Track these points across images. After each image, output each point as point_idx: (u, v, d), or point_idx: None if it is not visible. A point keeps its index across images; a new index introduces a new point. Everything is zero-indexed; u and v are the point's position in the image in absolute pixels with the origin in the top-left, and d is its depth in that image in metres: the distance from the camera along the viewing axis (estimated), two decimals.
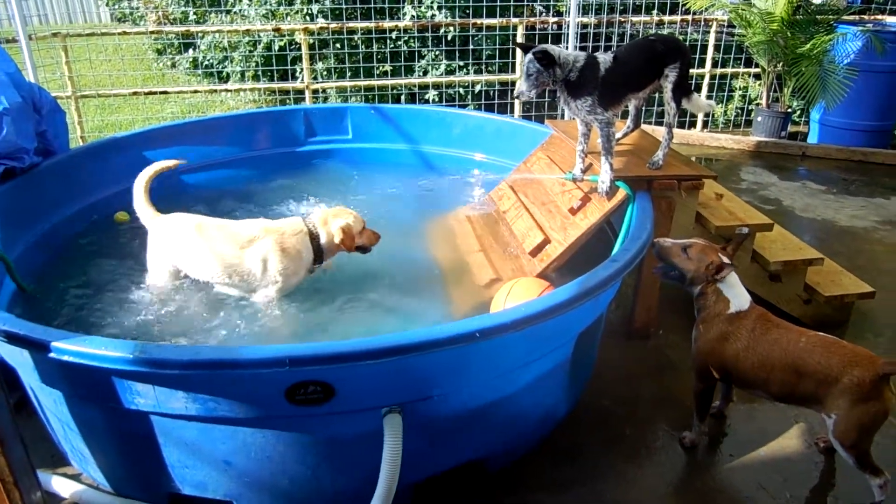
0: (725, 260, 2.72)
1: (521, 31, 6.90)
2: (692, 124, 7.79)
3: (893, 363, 2.36)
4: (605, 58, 3.19)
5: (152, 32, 8.13)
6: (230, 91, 8.25)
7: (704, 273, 2.72)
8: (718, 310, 2.71)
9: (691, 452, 2.89)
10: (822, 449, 2.89)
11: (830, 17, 6.98)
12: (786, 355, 2.53)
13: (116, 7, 12.21)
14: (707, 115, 7.68)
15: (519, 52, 2.94)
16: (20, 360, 2.29)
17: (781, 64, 6.78)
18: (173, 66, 10.05)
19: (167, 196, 4.37)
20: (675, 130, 3.47)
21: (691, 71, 6.65)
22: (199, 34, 8.65)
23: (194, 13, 9.27)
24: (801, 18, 6.70)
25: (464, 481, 2.62)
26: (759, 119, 7.28)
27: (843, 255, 4.61)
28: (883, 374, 2.36)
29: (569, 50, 3.19)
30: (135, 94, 7.00)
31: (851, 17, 7.48)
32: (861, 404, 2.38)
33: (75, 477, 2.66)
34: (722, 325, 2.68)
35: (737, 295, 2.72)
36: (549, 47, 3.10)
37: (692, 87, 3.61)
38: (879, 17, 7.84)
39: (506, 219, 3.80)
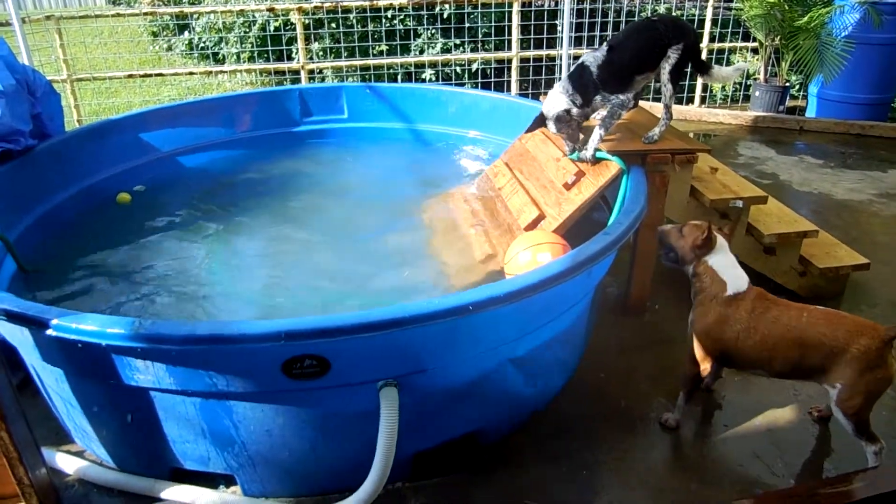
0: (715, 233, 2.71)
1: (516, 9, 6.86)
2: (690, 100, 7.76)
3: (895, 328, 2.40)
4: (595, 56, 3.26)
5: (146, 14, 8.07)
6: (226, 73, 8.22)
7: (692, 245, 2.72)
8: (715, 291, 2.66)
9: (686, 424, 2.92)
10: (815, 418, 2.92)
11: None
12: (789, 332, 2.52)
13: None
14: (706, 87, 7.65)
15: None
16: (21, 339, 2.33)
17: (779, 38, 6.74)
18: (169, 48, 10.00)
19: (165, 178, 4.42)
20: (674, 107, 3.46)
21: None
22: (194, 15, 8.59)
23: None
24: None
25: (457, 454, 2.65)
26: (757, 94, 7.25)
27: (840, 228, 4.63)
28: (887, 341, 2.39)
29: (554, 86, 3.37)
30: (130, 76, 6.98)
31: None
32: (868, 372, 2.41)
33: (79, 454, 2.70)
34: (720, 308, 2.63)
35: (734, 276, 2.67)
36: (547, 113, 3.34)
37: (707, 63, 3.55)
38: None
39: (501, 195, 3.81)
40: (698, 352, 2.75)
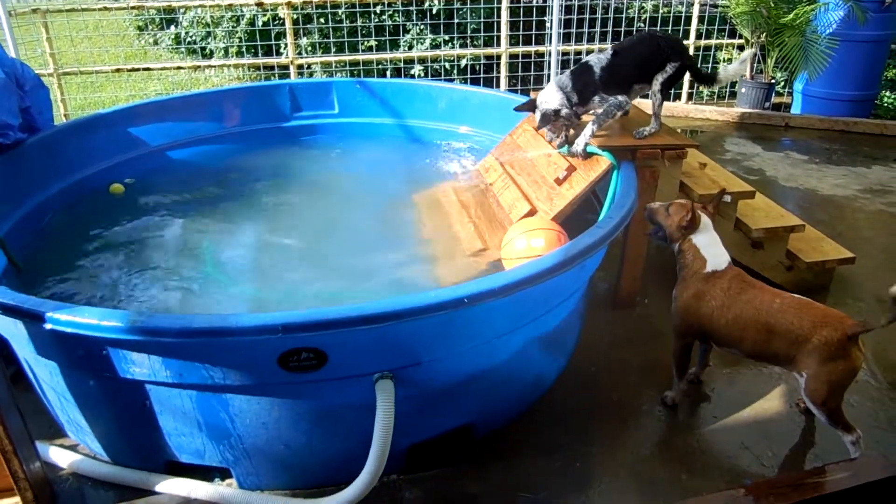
0: (699, 212, 2.80)
1: (505, 4, 6.87)
2: (677, 96, 7.82)
3: (860, 324, 2.42)
4: (600, 58, 3.38)
5: (133, 8, 7.99)
6: (214, 67, 8.17)
7: (678, 224, 2.80)
8: (696, 268, 2.77)
9: (676, 415, 2.97)
10: (802, 410, 2.96)
11: None
12: (759, 315, 2.59)
13: None
14: (693, 84, 7.70)
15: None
16: (15, 332, 2.31)
17: (765, 35, 6.81)
18: (156, 43, 9.92)
19: (154, 173, 4.40)
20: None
21: None
22: (182, 9, 8.53)
23: None
24: None
25: (451, 447, 2.68)
26: (744, 90, 7.32)
27: (825, 223, 4.69)
28: (851, 335, 2.42)
29: (552, 80, 3.48)
30: (118, 70, 6.92)
31: None
32: (829, 363, 2.45)
33: (73, 448, 2.69)
34: (698, 284, 2.74)
35: (715, 255, 2.77)
36: (539, 105, 3.42)
37: (710, 73, 3.62)
38: None
39: (493, 190, 3.83)
40: (679, 326, 2.85)
